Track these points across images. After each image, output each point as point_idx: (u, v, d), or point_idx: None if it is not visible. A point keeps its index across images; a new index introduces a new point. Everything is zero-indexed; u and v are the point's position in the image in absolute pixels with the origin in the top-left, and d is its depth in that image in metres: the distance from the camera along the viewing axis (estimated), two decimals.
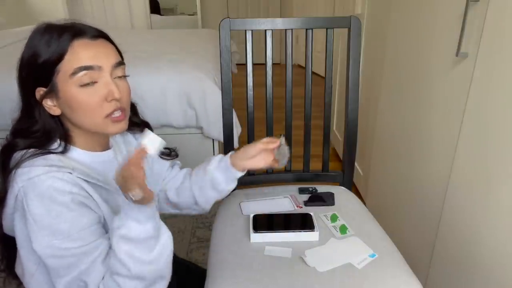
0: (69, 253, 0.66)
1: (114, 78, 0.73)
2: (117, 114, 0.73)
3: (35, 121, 0.72)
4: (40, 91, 0.71)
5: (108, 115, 0.72)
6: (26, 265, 0.72)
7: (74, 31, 0.70)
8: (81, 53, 0.69)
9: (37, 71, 0.69)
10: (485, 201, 0.93)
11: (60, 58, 0.68)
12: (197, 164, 0.99)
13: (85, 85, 0.69)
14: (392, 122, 1.52)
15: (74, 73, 0.68)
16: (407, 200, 1.38)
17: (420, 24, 1.26)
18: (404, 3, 1.40)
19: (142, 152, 0.64)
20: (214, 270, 0.84)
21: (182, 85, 1.90)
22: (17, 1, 4.01)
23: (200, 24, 5.24)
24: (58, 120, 0.74)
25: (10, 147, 0.71)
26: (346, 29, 1.09)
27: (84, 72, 0.69)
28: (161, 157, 0.92)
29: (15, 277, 0.79)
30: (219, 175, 0.91)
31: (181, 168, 1.00)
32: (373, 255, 0.85)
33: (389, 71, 1.56)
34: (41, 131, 0.72)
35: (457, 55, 0.98)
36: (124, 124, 0.76)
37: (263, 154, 0.90)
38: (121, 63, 0.74)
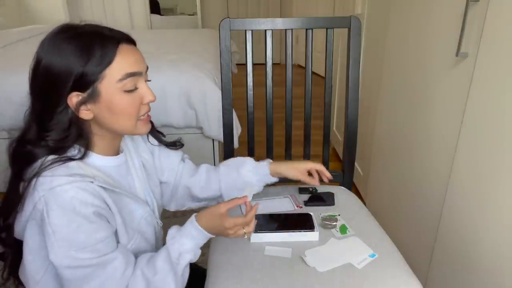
0: (85, 263, 0.66)
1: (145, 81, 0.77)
2: (147, 114, 0.78)
3: (64, 127, 0.69)
4: (74, 97, 0.68)
5: (141, 117, 0.76)
6: (31, 272, 0.72)
7: (117, 36, 0.71)
8: (127, 59, 0.70)
9: (78, 78, 0.67)
10: (484, 201, 0.93)
11: (108, 64, 0.68)
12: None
13: (129, 91, 0.71)
14: (392, 122, 1.52)
15: (122, 79, 0.69)
16: (407, 200, 1.38)
17: (420, 24, 1.26)
18: (404, 3, 1.40)
19: (247, 202, 0.79)
20: (214, 270, 0.84)
21: (182, 85, 1.90)
22: (17, 1, 4.01)
23: (200, 24, 5.24)
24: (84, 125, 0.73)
25: (31, 157, 0.69)
26: (346, 29, 1.09)
27: (130, 78, 0.71)
28: (167, 146, 0.95)
29: (20, 282, 0.79)
30: (254, 180, 0.98)
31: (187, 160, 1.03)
32: (373, 255, 0.85)
33: (389, 71, 1.56)
34: (71, 136, 0.70)
35: (457, 55, 0.98)
36: (150, 124, 0.81)
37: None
38: (147, 68, 0.77)
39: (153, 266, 0.73)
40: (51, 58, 0.67)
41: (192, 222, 0.76)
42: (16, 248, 0.75)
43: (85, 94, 0.68)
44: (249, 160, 1.01)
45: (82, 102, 0.69)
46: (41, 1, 4.16)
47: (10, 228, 0.71)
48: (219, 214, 0.76)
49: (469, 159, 0.99)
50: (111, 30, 0.72)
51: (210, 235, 0.77)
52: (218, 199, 1.01)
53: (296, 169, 0.97)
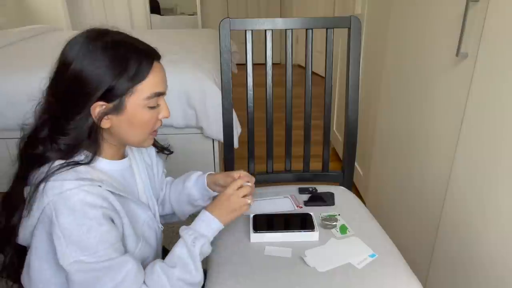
0: (98, 266, 0.65)
1: None
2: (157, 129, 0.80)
3: (81, 133, 0.69)
4: (98, 106, 0.68)
5: (153, 131, 0.78)
6: (36, 279, 0.71)
7: (152, 53, 0.72)
8: (157, 78, 0.72)
9: (108, 90, 0.67)
10: (485, 201, 0.93)
11: (140, 81, 0.69)
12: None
13: (152, 107, 0.73)
14: (392, 122, 1.52)
15: (150, 97, 0.71)
16: (407, 200, 1.38)
17: (420, 24, 1.26)
18: (404, 3, 1.40)
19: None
20: (214, 270, 0.84)
21: (182, 85, 1.90)
22: (17, 1, 4.01)
23: (200, 24, 5.24)
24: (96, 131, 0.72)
25: (42, 160, 0.69)
26: (346, 29, 1.09)
27: (157, 97, 0.73)
28: (157, 152, 0.95)
29: (18, 281, 0.78)
30: (196, 192, 0.95)
31: (166, 176, 1.02)
32: (373, 255, 0.85)
33: (389, 71, 1.56)
34: (86, 142, 0.70)
35: (457, 55, 0.98)
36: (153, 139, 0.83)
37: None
38: None
39: (170, 257, 0.73)
40: (84, 64, 0.66)
41: (202, 211, 0.79)
42: (18, 253, 0.74)
43: (110, 105, 0.68)
44: (196, 172, 0.97)
45: (106, 113, 0.69)
46: (41, 1, 4.16)
47: (13, 230, 0.71)
48: (222, 193, 0.81)
49: (469, 159, 0.99)
50: (145, 44, 0.73)
51: (221, 224, 0.78)
52: (175, 217, 1.01)
53: (230, 176, 0.89)
